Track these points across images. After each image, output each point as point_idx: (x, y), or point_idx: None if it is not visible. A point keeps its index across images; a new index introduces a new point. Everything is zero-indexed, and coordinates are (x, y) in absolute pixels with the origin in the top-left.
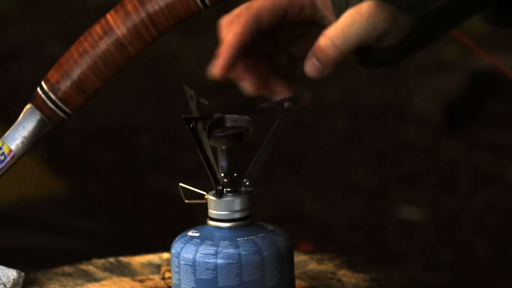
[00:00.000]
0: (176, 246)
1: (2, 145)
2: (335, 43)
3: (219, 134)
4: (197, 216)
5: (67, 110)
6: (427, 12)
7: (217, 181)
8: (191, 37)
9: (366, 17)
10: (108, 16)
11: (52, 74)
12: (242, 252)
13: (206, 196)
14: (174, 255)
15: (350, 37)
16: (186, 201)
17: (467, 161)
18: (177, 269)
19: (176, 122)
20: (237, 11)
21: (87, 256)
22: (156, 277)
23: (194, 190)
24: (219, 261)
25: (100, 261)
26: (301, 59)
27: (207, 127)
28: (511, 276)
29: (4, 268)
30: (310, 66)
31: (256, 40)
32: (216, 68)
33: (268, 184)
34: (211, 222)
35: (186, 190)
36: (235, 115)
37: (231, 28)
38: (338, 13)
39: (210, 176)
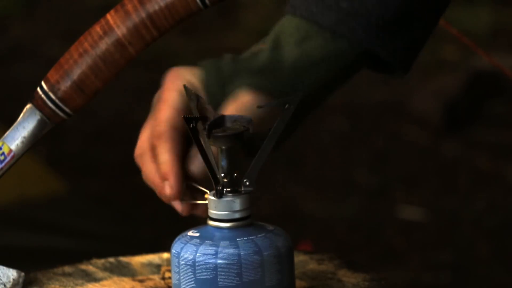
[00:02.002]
0: (176, 246)
1: (2, 145)
2: None
3: (219, 134)
4: (197, 216)
5: (67, 110)
6: (285, 98)
7: (217, 181)
8: (191, 37)
9: (245, 111)
10: (108, 16)
11: (52, 74)
12: (242, 252)
13: (206, 196)
14: (174, 255)
15: None
16: (192, 183)
17: (467, 161)
18: (177, 269)
19: None
20: (148, 136)
21: (87, 256)
22: (156, 277)
23: (198, 187)
24: (219, 261)
25: (100, 261)
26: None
27: (207, 127)
28: (511, 276)
29: (4, 268)
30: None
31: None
32: (171, 191)
33: (268, 184)
34: (211, 222)
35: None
36: (235, 115)
37: (161, 149)
38: (215, 103)
39: (210, 176)
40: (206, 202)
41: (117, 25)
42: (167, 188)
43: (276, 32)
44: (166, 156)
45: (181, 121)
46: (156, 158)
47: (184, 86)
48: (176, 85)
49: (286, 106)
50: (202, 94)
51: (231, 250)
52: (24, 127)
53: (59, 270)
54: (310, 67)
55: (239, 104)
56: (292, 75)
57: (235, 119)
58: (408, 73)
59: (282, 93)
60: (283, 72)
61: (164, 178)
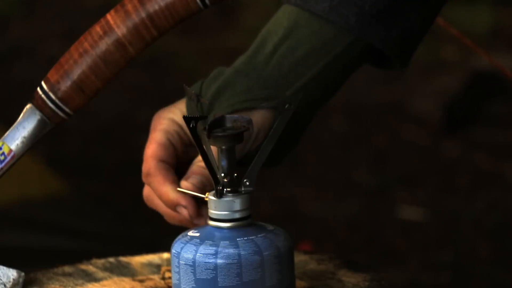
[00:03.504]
0: (176, 246)
1: (2, 145)
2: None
3: (219, 134)
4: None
5: (67, 110)
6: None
7: (217, 181)
8: (191, 37)
9: None
10: (108, 16)
11: (52, 74)
12: (242, 252)
13: (207, 194)
14: (174, 255)
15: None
16: (178, 188)
17: (467, 161)
18: (177, 269)
19: None
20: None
21: (87, 256)
22: (156, 277)
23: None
24: (219, 261)
25: (100, 261)
26: None
27: (207, 127)
28: (511, 276)
29: (4, 268)
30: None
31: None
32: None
33: (268, 184)
34: (211, 222)
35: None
36: (235, 115)
37: (154, 184)
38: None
39: (211, 176)
40: (203, 196)
41: (117, 25)
42: (184, 211)
43: (264, 31)
44: (162, 188)
45: (166, 154)
46: (155, 191)
47: (184, 86)
48: (160, 124)
49: (286, 106)
50: (185, 128)
51: (231, 250)
52: (24, 127)
53: (59, 270)
54: (297, 63)
55: None
56: (278, 75)
57: (235, 119)
58: (407, 67)
59: (269, 99)
60: (267, 75)
61: (173, 205)
